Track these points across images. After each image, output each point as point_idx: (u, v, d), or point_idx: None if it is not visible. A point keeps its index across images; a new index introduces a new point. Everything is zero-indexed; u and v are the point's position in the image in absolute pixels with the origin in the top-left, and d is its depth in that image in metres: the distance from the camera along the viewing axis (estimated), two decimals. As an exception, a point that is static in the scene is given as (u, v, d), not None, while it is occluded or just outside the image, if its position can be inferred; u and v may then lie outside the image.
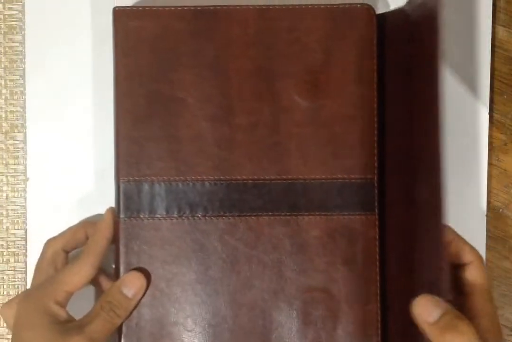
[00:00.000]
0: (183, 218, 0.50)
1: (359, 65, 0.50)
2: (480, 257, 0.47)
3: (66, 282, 0.48)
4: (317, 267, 0.49)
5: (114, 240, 0.50)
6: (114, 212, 0.50)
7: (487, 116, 0.54)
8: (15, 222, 0.55)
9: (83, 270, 0.48)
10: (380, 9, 0.53)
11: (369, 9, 0.50)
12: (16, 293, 0.55)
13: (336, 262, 0.49)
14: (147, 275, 0.49)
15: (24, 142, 0.54)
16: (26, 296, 0.48)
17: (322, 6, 0.49)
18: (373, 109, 0.50)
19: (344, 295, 0.49)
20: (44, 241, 0.51)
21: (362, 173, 0.50)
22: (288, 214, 0.50)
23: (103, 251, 0.49)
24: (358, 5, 0.50)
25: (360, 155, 0.50)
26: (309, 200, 0.50)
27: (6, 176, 0.55)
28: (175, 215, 0.49)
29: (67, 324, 0.47)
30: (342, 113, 0.50)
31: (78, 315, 0.48)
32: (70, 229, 0.52)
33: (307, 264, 0.49)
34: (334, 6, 0.50)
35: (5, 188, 0.55)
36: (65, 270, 0.48)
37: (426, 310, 0.43)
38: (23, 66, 0.54)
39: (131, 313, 0.49)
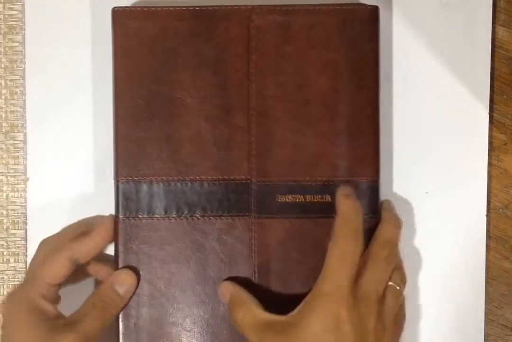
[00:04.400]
0: (182, 218, 0.50)
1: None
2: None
3: (44, 274, 0.48)
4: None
5: (113, 239, 0.50)
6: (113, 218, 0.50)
7: (487, 116, 0.54)
8: (15, 222, 0.55)
9: (58, 262, 0.48)
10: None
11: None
12: (16, 293, 0.55)
13: None
14: (137, 273, 0.49)
15: (24, 142, 0.54)
16: (11, 295, 0.48)
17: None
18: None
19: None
20: (44, 241, 0.51)
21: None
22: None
23: (85, 250, 0.49)
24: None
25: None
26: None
27: (6, 176, 0.55)
28: (174, 215, 0.50)
29: (57, 322, 0.47)
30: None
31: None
32: (65, 229, 0.52)
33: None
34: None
35: (5, 188, 0.55)
36: (42, 263, 0.48)
37: None
38: (23, 66, 0.54)
39: (121, 311, 0.49)
